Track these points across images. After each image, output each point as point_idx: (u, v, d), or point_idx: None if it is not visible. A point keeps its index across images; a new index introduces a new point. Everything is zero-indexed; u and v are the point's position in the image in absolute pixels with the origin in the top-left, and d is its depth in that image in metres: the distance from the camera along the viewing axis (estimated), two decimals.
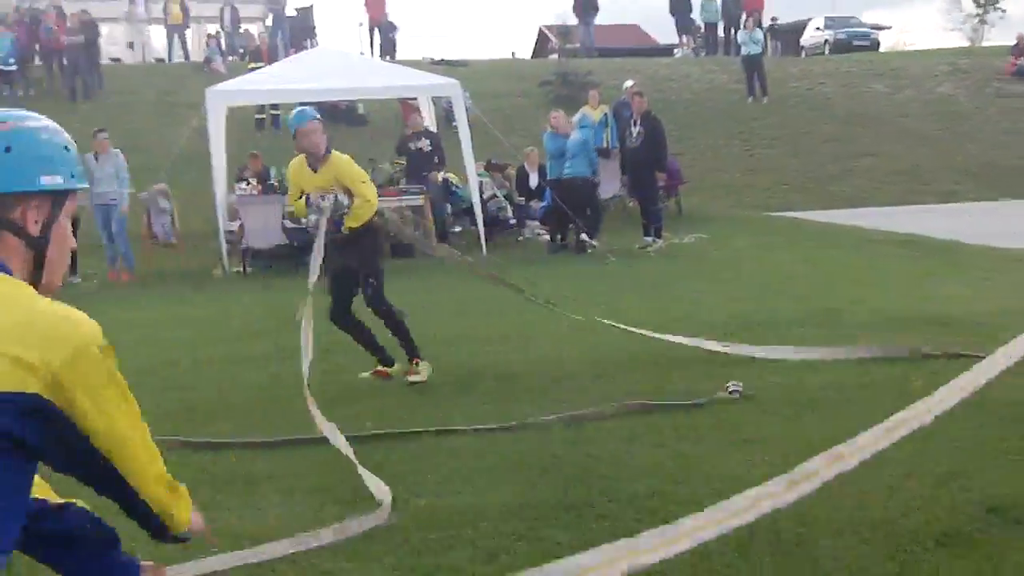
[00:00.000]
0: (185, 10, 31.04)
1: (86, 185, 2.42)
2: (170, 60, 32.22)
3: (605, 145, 18.05)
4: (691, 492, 4.55)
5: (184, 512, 2.47)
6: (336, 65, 17.43)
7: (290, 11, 33.10)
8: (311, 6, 32.92)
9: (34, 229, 2.28)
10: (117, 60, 32.98)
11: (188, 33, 32.62)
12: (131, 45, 36.82)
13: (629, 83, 20.43)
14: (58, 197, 2.31)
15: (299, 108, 7.56)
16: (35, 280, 2.29)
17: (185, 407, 6.94)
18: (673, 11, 32.78)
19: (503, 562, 3.89)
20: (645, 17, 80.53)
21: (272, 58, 25.68)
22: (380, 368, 7.56)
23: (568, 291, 10.88)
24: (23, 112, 2.35)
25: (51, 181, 2.27)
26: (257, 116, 23.09)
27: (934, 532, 4.01)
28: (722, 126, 25.70)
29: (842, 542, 3.97)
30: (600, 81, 24.16)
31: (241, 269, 15.52)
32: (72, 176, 2.33)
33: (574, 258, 15.34)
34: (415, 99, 19.66)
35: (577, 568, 2.42)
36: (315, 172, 7.22)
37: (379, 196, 7.88)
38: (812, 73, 30.05)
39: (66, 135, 2.36)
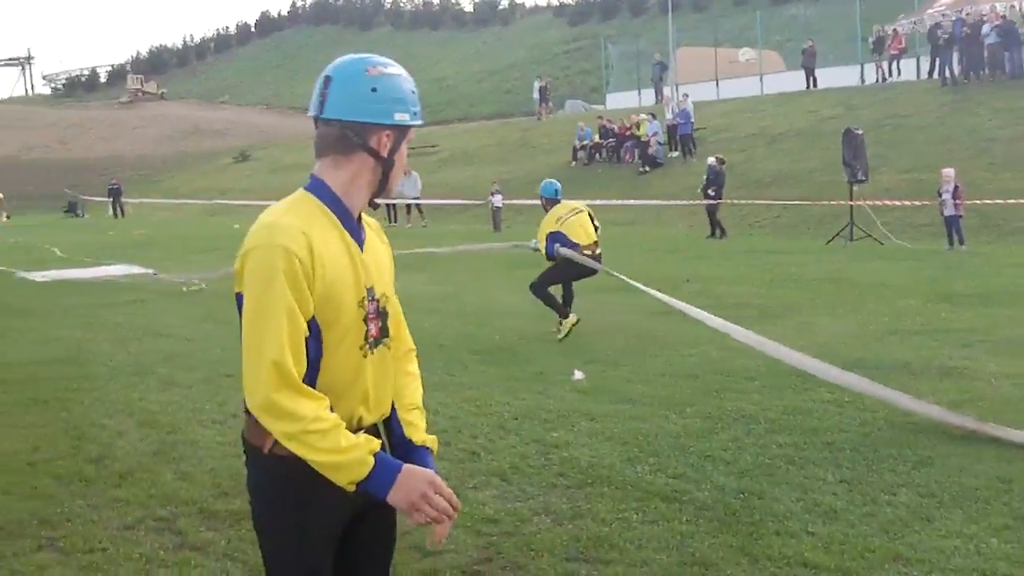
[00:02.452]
0: None
1: (421, 122, 2.94)
2: None
3: None
4: None
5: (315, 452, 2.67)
6: None
7: None
8: None
9: (385, 153, 2.86)
10: None
11: None
12: None
13: None
14: (403, 130, 2.88)
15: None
16: (379, 190, 2.91)
17: None
18: None
19: None
20: None
21: None
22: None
23: None
24: (385, 60, 2.90)
25: (401, 118, 2.85)
26: None
27: None
28: None
29: None
30: None
31: None
32: (415, 115, 2.89)
33: None
34: None
35: None
36: None
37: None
38: None
39: (412, 82, 2.91)
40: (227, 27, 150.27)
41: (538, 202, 13.08)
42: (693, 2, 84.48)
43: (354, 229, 2.88)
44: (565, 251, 11.79)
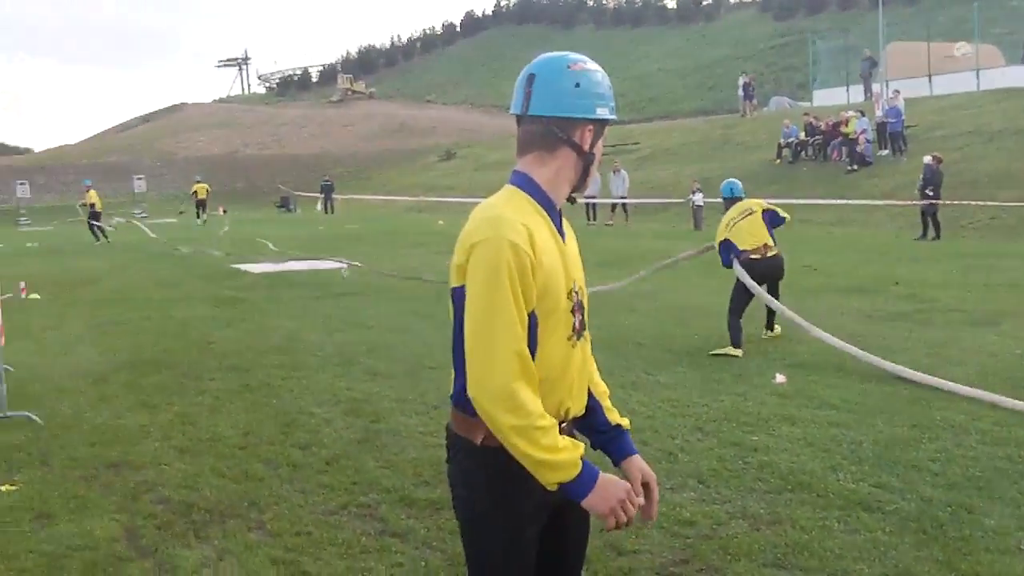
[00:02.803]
0: None
1: (616, 117, 2.97)
2: None
3: None
4: None
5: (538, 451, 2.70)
6: None
7: None
8: None
9: (586, 147, 2.92)
10: None
11: None
12: None
13: None
14: (602, 124, 2.94)
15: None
16: (578, 184, 2.97)
17: None
18: None
19: None
20: None
21: None
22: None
23: None
24: (582, 56, 2.94)
25: (602, 112, 2.90)
26: None
27: None
28: None
29: None
30: None
31: None
32: (612, 110, 2.94)
33: None
34: None
35: None
36: None
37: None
38: None
39: (607, 78, 2.95)
40: (433, 27, 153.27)
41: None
42: None
43: (558, 222, 2.93)
44: (737, 269, 11.32)
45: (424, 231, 32.15)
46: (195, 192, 50.03)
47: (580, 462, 2.72)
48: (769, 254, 11.52)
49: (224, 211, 51.44)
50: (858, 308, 13.52)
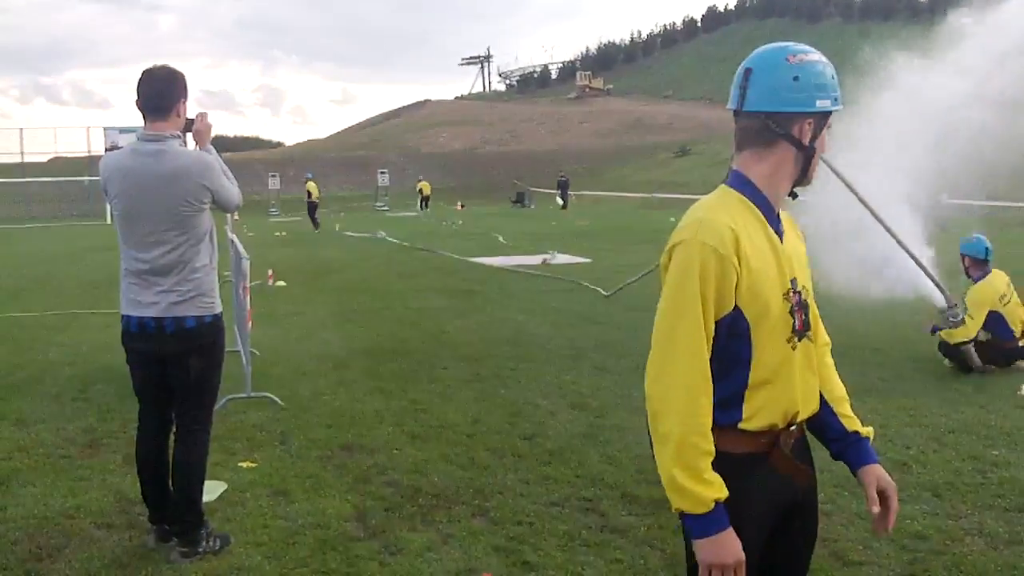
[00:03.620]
0: None
1: (841, 107, 2.84)
2: None
3: None
4: None
5: (681, 499, 2.64)
6: None
7: None
8: None
9: (806, 141, 2.81)
10: None
11: None
12: None
13: None
14: (824, 116, 2.82)
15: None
16: (800, 179, 2.87)
17: None
18: None
19: None
20: None
21: None
22: None
23: None
24: (804, 47, 2.84)
25: (823, 104, 2.78)
26: None
27: None
28: None
29: None
30: None
31: None
32: (835, 100, 2.80)
33: None
34: None
35: None
36: None
37: None
38: None
39: (832, 67, 2.83)
40: (673, 23, 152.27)
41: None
42: None
43: (775, 221, 2.85)
44: (972, 355, 9.81)
45: (655, 228, 32.01)
46: (420, 189, 55.69)
47: (712, 504, 2.62)
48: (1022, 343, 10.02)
49: (462, 206, 52.66)
50: None
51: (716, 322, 2.68)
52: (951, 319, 9.78)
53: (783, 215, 2.94)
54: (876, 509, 2.87)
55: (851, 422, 3.00)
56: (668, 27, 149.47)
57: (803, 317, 2.85)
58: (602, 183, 61.34)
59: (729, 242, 2.66)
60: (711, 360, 2.68)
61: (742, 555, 2.66)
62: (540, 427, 7.97)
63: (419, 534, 5.72)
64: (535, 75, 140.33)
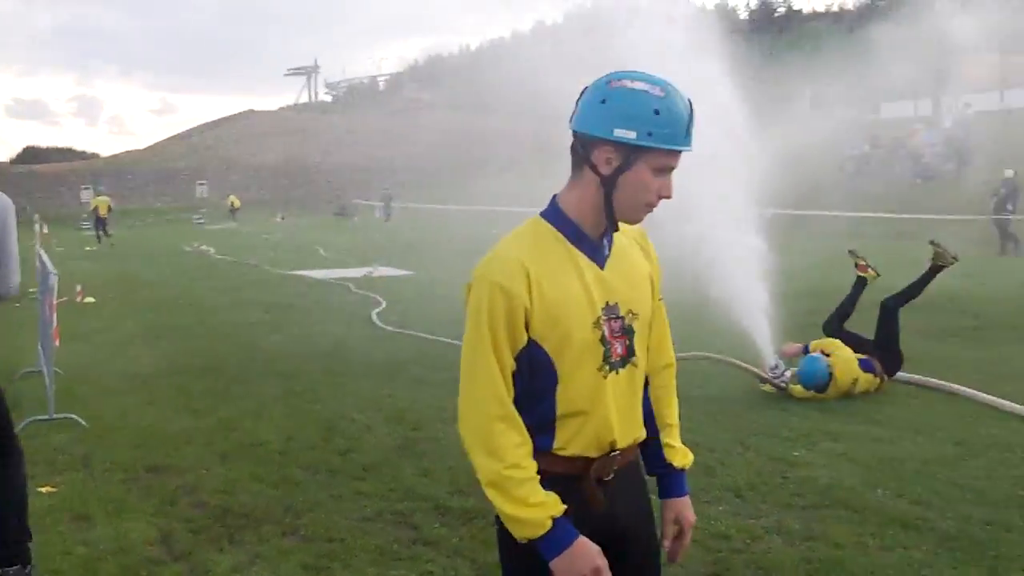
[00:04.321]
0: None
1: (672, 146, 2.65)
2: None
3: None
4: None
5: (510, 506, 2.64)
6: None
7: None
8: None
9: (604, 171, 2.68)
10: None
11: None
12: None
13: None
14: (634, 150, 2.64)
15: None
16: (609, 215, 2.73)
17: None
18: None
19: None
20: None
21: None
22: None
23: None
24: (647, 76, 2.69)
25: (623, 134, 2.63)
26: None
27: None
28: None
29: None
30: None
31: None
32: (650, 136, 2.62)
33: None
34: None
35: None
36: None
37: None
38: None
39: (670, 102, 2.65)
40: (502, 36, 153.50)
41: None
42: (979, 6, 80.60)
43: (592, 249, 2.78)
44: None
45: (481, 240, 32.17)
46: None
47: (549, 522, 2.63)
48: None
49: (282, 218, 51.93)
50: (913, 324, 13.27)
51: (515, 356, 2.68)
52: (780, 381, 9.48)
53: (632, 232, 2.91)
54: (667, 544, 2.96)
55: (671, 452, 3.01)
56: (496, 41, 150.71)
57: (625, 344, 2.80)
58: (429, 195, 61.34)
59: (517, 277, 2.65)
60: (520, 391, 2.70)
61: (598, 560, 2.67)
62: (355, 442, 7.88)
63: (226, 555, 5.59)
64: (362, 86, 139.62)
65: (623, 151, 2.65)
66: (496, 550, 2.85)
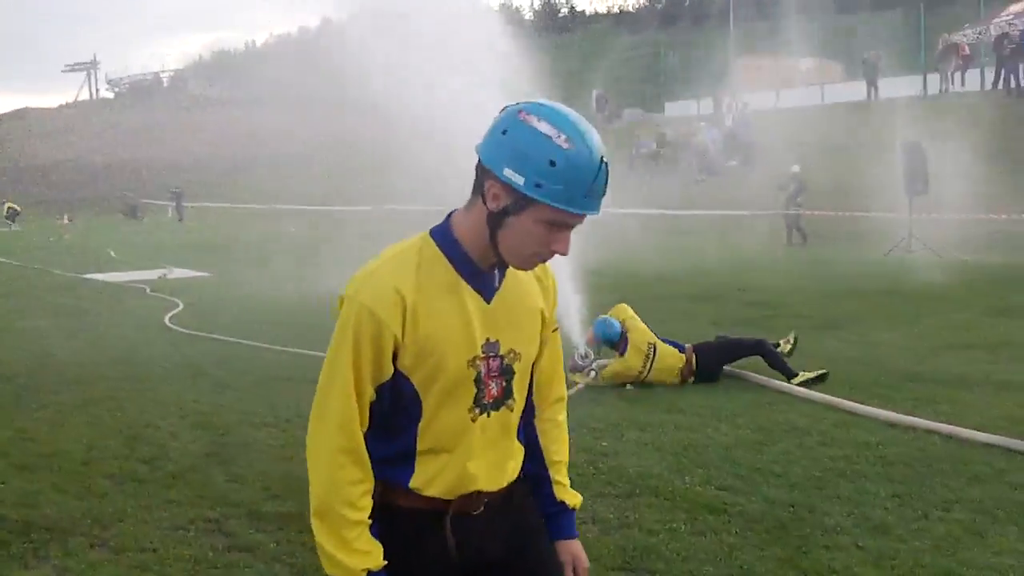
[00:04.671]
0: None
1: (561, 206, 2.35)
2: None
3: None
4: None
5: (328, 544, 2.53)
6: None
7: None
8: None
9: (493, 206, 2.42)
10: None
11: None
12: None
13: None
14: (521, 198, 2.37)
15: None
16: (495, 250, 2.48)
17: None
18: None
19: None
20: None
21: None
22: None
23: None
24: (566, 118, 2.38)
25: (511, 176, 2.35)
26: None
27: None
28: None
29: None
30: None
31: None
32: (536, 186, 2.34)
33: None
34: None
35: None
36: None
37: None
38: None
39: (575, 160, 2.34)
40: (289, 32, 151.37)
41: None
42: (755, 10, 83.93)
43: (479, 279, 2.56)
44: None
45: (277, 239, 31.73)
46: (9, 207, 48.80)
47: (363, 575, 2.49)
48: None
49: (69, 219, 50.00)
50: (705, 315, 13.83)
51: (377, 387, 2.51)
52: (590, 370, 9.80)
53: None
54: None
55: (561, 490, 2.86)
56: (283, 36, 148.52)
57: (502, 385, 2.61)
58: (220, 194, 60.08)
59: (390, 304, 2.44)
60: (377, 422, 2.55)
61: None
62: (161, 449, 7.70)
63: (32, 571, 5.41)
64: (146, 83, 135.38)
65: (512, 194, 2.38)
66: (314, 554, 2.84)
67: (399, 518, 2.58)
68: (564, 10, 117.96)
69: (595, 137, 2.37)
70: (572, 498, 2.88)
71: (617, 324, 9.92)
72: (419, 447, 2.57)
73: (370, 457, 2.54)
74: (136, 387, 9.96)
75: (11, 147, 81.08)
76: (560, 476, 2.86)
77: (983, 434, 7.46)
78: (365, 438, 2.53)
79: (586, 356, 9.83)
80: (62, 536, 5.88)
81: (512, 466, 2.71)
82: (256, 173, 65.96)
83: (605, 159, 2.39)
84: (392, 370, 2.50)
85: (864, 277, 18.49)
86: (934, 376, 9.72)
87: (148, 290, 18.96)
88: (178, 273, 22.13)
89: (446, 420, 2.55)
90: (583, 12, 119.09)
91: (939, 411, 8.32)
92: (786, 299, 15.53)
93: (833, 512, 5.99)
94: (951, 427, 7.68)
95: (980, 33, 41.55)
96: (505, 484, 2.68)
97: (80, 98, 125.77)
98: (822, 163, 31.93)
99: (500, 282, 2.60)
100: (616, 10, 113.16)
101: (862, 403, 8.45)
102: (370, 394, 2.51)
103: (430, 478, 2.58)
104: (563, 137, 2.33)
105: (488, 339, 2.56)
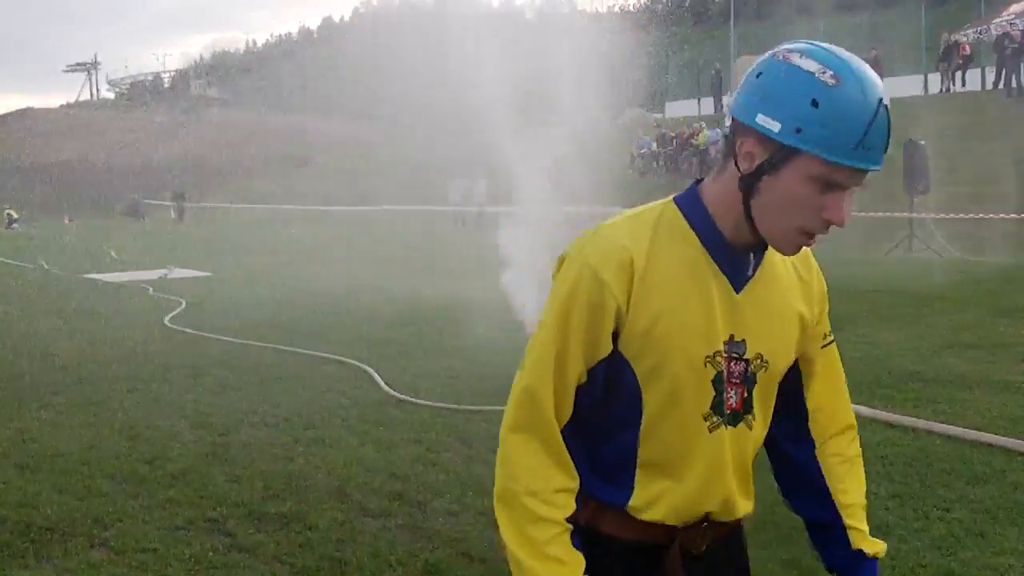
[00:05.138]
0: None
1: (828, 157, 1.92)
2: None
3: None
4: None
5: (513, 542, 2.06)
6: None
7: None
8: None
9: (744, 167, 2.00)
10: None
11: None
12: None
13: None
14: (788, 151, 1.94)
15: None
16: (750, 225, 2.04)
17: None
18: None
19: None
20: None
21: None
22: None
23: None
24: (830, 50, 1.98)
25: (766, 122, 1.95)
26: None
27: None
28: None
29: None
30: None
31: None
32: (796, 132, 1.91)
33: None
34: None
35: None
36: None
37: None
38: None
39: (836, 93, 1.91)
40: (289, 33, 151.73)
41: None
42: (755, 10, 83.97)
43: (730, 261, 2.10)
44: None
45: (277, 239, 31.78)
46: (9, 213, 49.64)
47: None
48: None
49: (70, 220, 50.09)
50: None
51: (589, 368, 2.06)
52: None
53: (794, 256, 2.16)
54: None
55: (858, 537, 2.33)
56: (284, 37, 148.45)
57: (742, 395, 2.14)
58: (221, 195, 60.15)
59: (617, 266, 2.02)
60: (585, 415, 2.10)
61: None
62: (161, 449, 7.70)
63: (32, 572, 5.42)
64: (147, 83, 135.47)
65: (769, 146, 1.96)
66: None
67: (607, 555, 2.11)
68: (566, 9, 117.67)
69: (871, 76, 1.94)
70: (872, 546, 2.34)
71: None
72: (640, 456, 2.12)
73: (576, 465, 2.09)
74: (137, 387, 9.96)
75: (14, 147, 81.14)
76: (855, 521, 2.34)
77: (983, 434, 7.47)
78: (571, 438, 2.09)
79: None
80: (62, 536, 5.89)
81: (744, 501, 2.24)
82: (257, 173, 66.09)
83: (886, 103, 1.96)
84: (611, 348, 2.05)
85: (864, 276, 18.46)
86: (935, 376, 9.73)
87: (151, 290, 18.94)
88: (179, 273, 22.13)
89: (676, 425, 2.10)
90: (584, 10, 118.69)
91: (939, 411, 8.32)
92: None
93: None
94: (951, 427, 7.69)
95: (981, 33, 41.61)
96: (737, 518, 2.24)
97: (82, 98, 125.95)
98: None
99: (754, 270, 2.14)
100: (617, 9, 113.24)
101: (863, 404, 8.45)
102: (579, 373, 2.06)
103: (653, 498, 2.12)
104: (829, 73, 1.92)
105: (732, 336, 2.11)
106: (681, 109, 49.65)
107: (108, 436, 8.12)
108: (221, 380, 10.23)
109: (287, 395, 9.31)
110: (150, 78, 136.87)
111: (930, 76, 40.42)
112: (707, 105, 46.44)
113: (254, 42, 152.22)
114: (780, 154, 1.94)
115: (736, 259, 2.10)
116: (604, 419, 2.12)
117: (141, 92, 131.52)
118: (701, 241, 2.08)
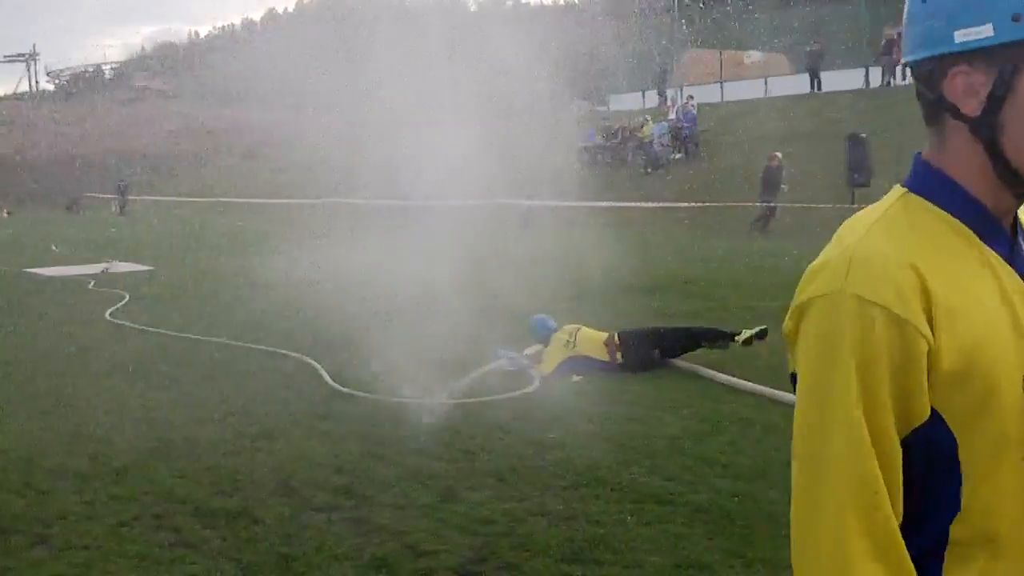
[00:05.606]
0: None
1: None
2: None
3: None
4: None
5: None
6: None
7: None
8: None
9: (970, 108, 1.54)
10: None
11: None
12: None
13: None
14: (1009, 50, 1.49)
15: None
16: (1005, 186, 1.57)
17: None
18: None
19: None
20: None
21: None
22: None
23: None
24: None
25: (967, 35, 1.51)
26: None
27: None
28: None
29: None
30: None
31: None
32: (1016, 20, 1.47)
33: None
34: None
35: None
36: None
37: None
38: None
39: None
40: (232, 24, 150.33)
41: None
42: (700, 4, 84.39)
43: (1001, 239, 1.61)
44: None
45: (221, 232, 31.46)
46: None
47: None
48: None
49: (8, 213, 49.30)
50: (652, 306, 13.88)
51: (904, 438, 1.51)
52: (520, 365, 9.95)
53: None
54: None
55: None
56: (227, 28, 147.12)
57: None
58: (165, 188, 59.52)
59: (911, 293, 1.49)
60: (903, 499, 1.52)
61: None
62: (105, 445, 7.61)
63: None
64: (87, 75, 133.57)
65: (990, 61, 1.51)
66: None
67: None
68: (509, 3, 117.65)
69: None
70: None
71: (552, 323, 10.23)
72: (953, 534, 1.55)
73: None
74: (79, 382, 9.84)
75: None
76: None
77: None
78: None
79: (512, 358, 9.90)
80: (3, 535, 5.82)
81: None
82: (201, 166, 65.45)
83: None
84: (928, 405, 1.50)
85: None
86: None
87: (91, 284, 18.69)
88: (121, 267, 21.85)
89: (1001, 481, 1.53)
90: (528, 3, 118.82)
91: None
92: (731, 292, 15.61)
93: (779, 501, 6.03)
94: None
95: None
96: None
97: (20, 90, 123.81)
98: (766, 155, 32.23)
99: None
100: (562, 2, 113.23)
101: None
102: (898, 453, 1.51)
103: None
104: None
105: None
106: (626, 102, 49.79)
107: (50, 431, 8.02)
108: (165, 374, 10.13)
109: (232, 390, 9.22)
110: (91, 70, 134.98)
111: (872, 70, 40.80)
112: (651, 98, 46.59)
113: (197, 33, 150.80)
114: (1009, 62, 1.50)
115: (1009, 243, 1.62)
116: (917, 499, 1.55)
117: (82, 84, 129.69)
118: (969, 226, 1.58)
